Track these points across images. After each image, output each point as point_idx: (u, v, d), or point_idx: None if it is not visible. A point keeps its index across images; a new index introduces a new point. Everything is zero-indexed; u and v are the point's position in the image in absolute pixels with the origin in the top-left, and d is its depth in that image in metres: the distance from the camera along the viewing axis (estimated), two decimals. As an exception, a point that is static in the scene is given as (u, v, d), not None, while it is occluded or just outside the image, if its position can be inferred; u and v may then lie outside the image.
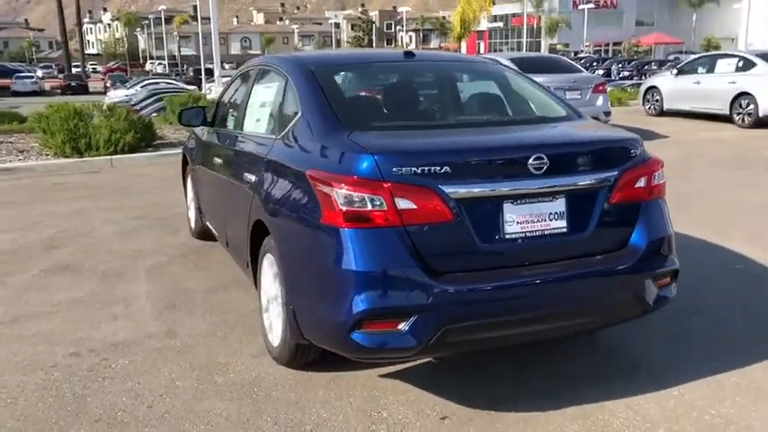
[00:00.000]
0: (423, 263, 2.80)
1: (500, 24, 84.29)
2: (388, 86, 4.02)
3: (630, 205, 3.18)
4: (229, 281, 4.99)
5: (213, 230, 5.28)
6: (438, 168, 2.82)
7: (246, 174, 3.87)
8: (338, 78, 3.82)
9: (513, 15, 77.52)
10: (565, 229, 3.04)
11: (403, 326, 2.79)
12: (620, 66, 39.76)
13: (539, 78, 11.52)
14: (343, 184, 2.82)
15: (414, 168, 2.81)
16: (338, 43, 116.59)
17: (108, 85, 45.37)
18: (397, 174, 2.80)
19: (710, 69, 15.31)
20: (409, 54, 4.06)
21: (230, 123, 4.84)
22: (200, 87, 35.83)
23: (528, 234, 2.97)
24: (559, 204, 3.02)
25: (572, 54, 49.67)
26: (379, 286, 2.80)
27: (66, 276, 5.22)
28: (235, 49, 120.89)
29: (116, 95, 31.75)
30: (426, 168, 2.81)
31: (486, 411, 3.13)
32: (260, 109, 4.21)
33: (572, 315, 3.07)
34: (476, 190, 2.87)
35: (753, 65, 14.25)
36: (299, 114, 3.46)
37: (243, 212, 3.93)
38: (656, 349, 3.77)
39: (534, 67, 12.55)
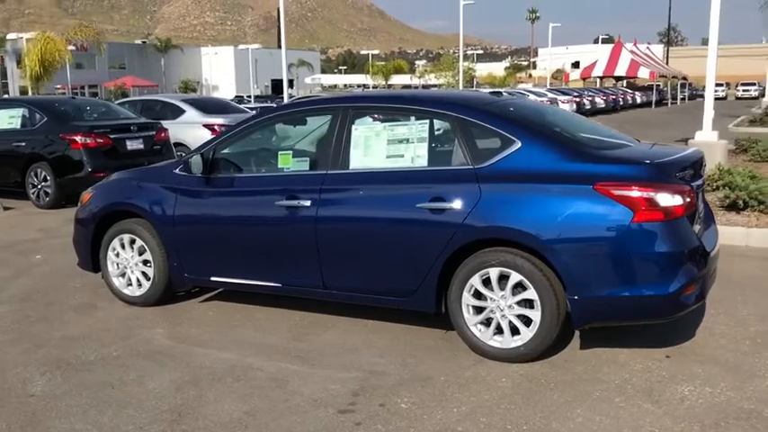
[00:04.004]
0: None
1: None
2: (549, 118, 4.77)
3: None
4: (301, 327, 4.87)
5: (238, 281, 4.97)
6: (688, 172, 4.06)
7: (431, 203, 4.17)
8: (523, 114, 4.49)
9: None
10: (703, 213, 4.55)
11: (695, 287, 3.94)
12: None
13: (220, 119, 12.19)
14: (657, 190, 3.80)
15: (682, 173, 3.99)
16: None
17: None
18: (678, 177, 3.94)
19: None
20: (499, 93, 4.90)
21: (297, 165, 4.77)
22: None
23: (700, 214, 4.40)
24: (700, 195, 4.53)
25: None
26: (690, 260, 3.90)
27: (119, 366, 4.22)
28: None
29: None
30: (686, 173, 4.02)
31: (682, 345, 4.42)
32: (394, 146, 4.42)
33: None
34: (695, 185, 4.18)
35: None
36: (518, 144, 4.10)
37: (422, 243, 4.23)
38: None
39: (218, 108, 13.09)
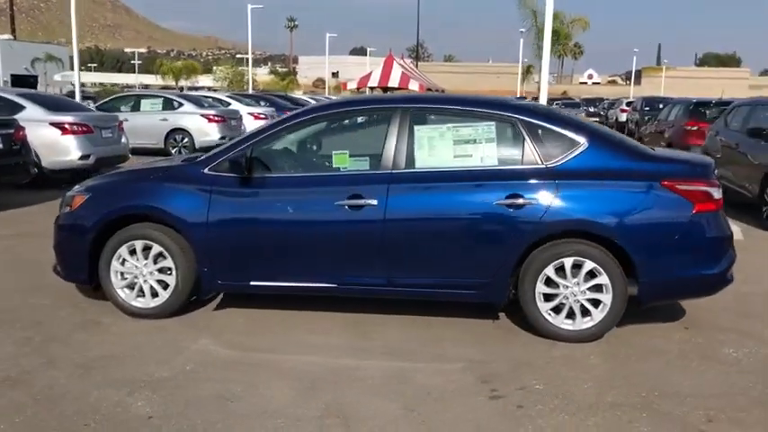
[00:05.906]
0: None
1: None
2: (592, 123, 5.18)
3: None
4: (352, 326, 4.82)
5: (285, 284, 4.80)
6: (715, 172, 4.82)
7: (509, 200, 4.44)
8: (575, 117, 4.87)
9: None
10: None
11: (732, 269, 4.70)
12: None
13: (70, 117, 11.25)
14: (711, 186, 4.50)
15: (716, 171, 4.74)
16: None
17: None
18: (715, 174, 4.67)
19: (136, 108, 16.77)
20: (523, 97, 5.30)
21: (355, 165, 4.74)
22: None
23: None
24: None
25: None
26: (730, 244, 4.65)
27: (209, 380, 3.85)
28: None
29: None
30: (717, 170, 4.78)
31: (685, 318, 5.19)
32: (461, 146, 4.61)
33: None
34: None
35: (181, 104, 16.65)
36: (585, 144, 4.55)
37: (500, 237, 4.52)
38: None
39: (62, 104, 11.86)
